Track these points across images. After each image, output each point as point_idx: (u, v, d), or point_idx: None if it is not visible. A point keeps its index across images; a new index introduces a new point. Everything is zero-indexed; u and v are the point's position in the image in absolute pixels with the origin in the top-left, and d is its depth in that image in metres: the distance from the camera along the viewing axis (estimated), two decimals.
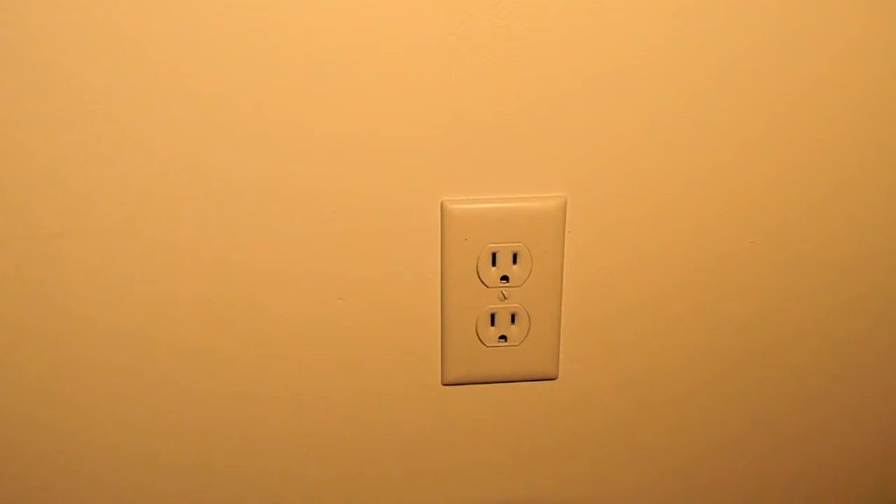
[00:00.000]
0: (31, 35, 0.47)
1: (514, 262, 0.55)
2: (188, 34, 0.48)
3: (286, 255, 0.54)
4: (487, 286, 0.55)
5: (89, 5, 0.47)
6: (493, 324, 0.56)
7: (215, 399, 0.57)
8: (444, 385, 0.59)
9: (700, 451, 0.63)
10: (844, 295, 0.59)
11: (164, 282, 0.53)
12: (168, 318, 0.54)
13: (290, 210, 0.53)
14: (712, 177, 0.55)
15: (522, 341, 0.57)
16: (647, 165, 0.54)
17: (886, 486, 0.67)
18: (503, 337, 0.57)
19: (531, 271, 0.55)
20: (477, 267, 0.55)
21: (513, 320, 0.57)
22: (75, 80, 0.48)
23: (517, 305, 0.56)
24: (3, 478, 0.58)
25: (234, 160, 0.51)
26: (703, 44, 0.51)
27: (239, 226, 0.53)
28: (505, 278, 0.55)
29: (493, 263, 0.55)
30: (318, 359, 0.57)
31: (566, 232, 0.55)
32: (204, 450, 0.58)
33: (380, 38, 0.49)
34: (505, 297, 0.56)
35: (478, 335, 0.56)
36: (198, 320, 0.55)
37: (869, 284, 0.59)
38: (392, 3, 0.49)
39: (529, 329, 0.57)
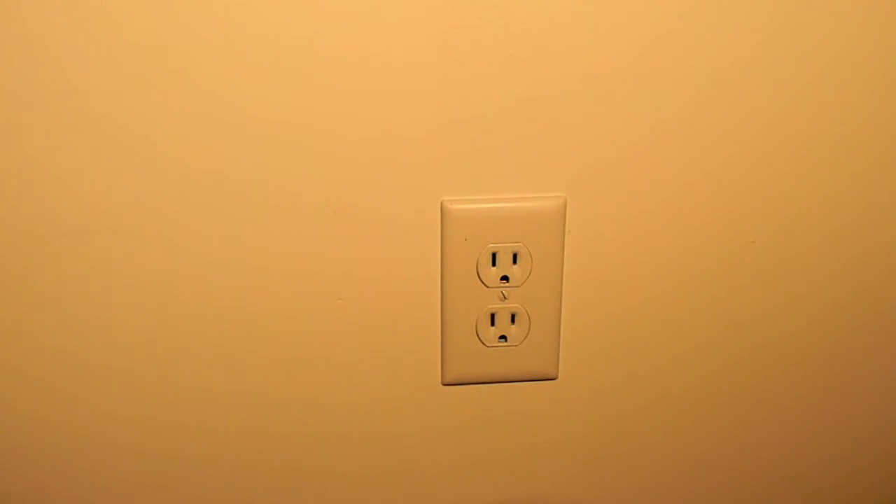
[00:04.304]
0: (30, 36, 0.47)
1: (514, 262, 0.55)
2: (188, 35, 0.48)
3: (286, 255, 0.54)
4: (487, 286, 0.55)
5: (89, 6, 0.47)
6: (493, 324, 0.56)
7: (215, 398, 0.57)
8: (444, 385, 0.59)
9: (700, 451, 0.63)
10: (844, 294, 0.59)
11: (165, 282, 0.53)
12: (169, 317, 0.54)
13: (290, 210, 0.53)
14: (712, 177, 0.55)
15: (522, 341, 0.57)
16: (647, 165, 0.54)
17: (886, 486, 0.67)
18: (503, 337, 0.57)
19: (531, 271, 0.55)
20: (477, 267, 0.55)
21: (513, 320, 0.57)
22: (75, 80, 0.48)
23: (517, 305, 0.56)
24: (5, 478, 0.58)
25: (235, 160, 0.51)
26: (703, 44, 0.51)
27: (239, 226, 0.53)
28: (505, 278, 0.55)
29: (493, 263, 0.55)
30: (318, 359, 0.57)
31: (566, 232, 0.55)
32: (203, 449, 0.58)
33: (380, 38, 0.49)
34: (505, 297, 0.56)
35: (478, 335, 0.56)
36: (198, 320, 0.55)
37: (869, 284, 0.59)
38: (392, 3, 0.49)
39: (529, 329, 0.57)
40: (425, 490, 0.62)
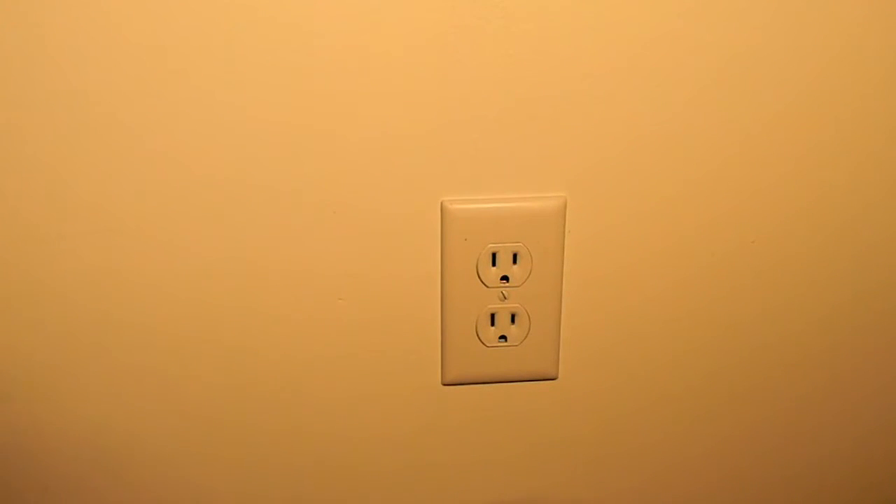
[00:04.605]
0: (31, 36, 0.47)
1: (514, 262, 0.55)
2: (188, 35, 0.48)
3: (286, 255, 0.54)
4: (487, 286, 0.55)
5: (89, 6, 0.47)
6: (493, 324, 0.56)
7: (215, 398, 0.57)
8: (444, 385, 0.59)
9: (700, 451, 0.63)
10: (844, 295, 0.59)
11: (165, 282, 0.53)
12: (169, 318, 0.54)
13: (290, 210, 0.53)
14: (712, 177, 0.55)
15: (522, 341, 0.57)
16: (648, 165, 0.54)
17: (886, 486, 0.67)
18: (503, 337, 0.57)
19: (531, 271, 0.55)
20: (477, 267, 0.55)
21: (513, 320, 0.56)
22: (75, 80, 0.48)
23: (517, 305, 0.56)
24: (9, 476, 0.58)
25: (235, 161, 0.51)
26: (703, 44, 0.51)
27: (239, 226, 0.53)
28: (505, 278, 0.55)
29: (493, 263, 0.55)
30: (319, 359, 0.57)
31: (566, 232, 0.55)
32: (202, 448, 0.58)
33: (380, 38, 0.49)
34: (505, 297, 0.56)
35: (478, 335, 0.56)
36: (198, 320, 0.55)
37: (868, 284, 0.59)
38: (392, 3, 0.49)
39: (529, 329, 0.57)
40: (425, 490, 0.62)
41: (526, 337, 0.57)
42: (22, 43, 0.47)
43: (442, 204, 0.54)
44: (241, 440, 0.59)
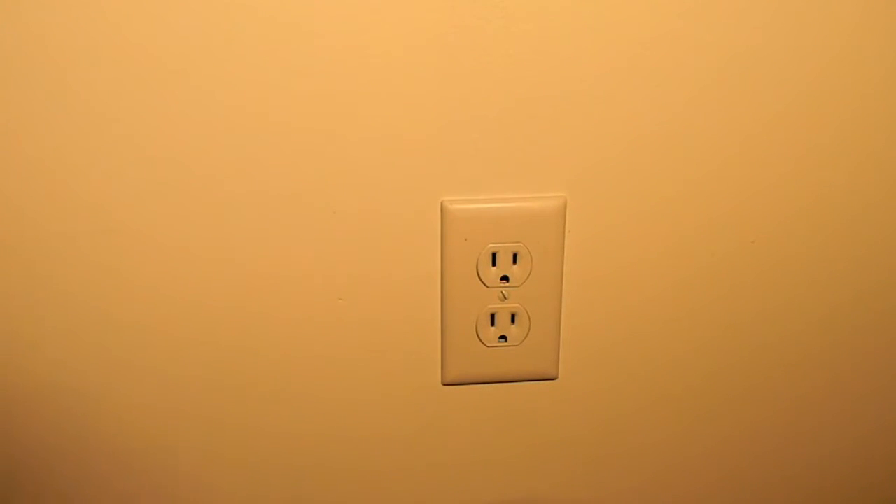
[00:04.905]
0: (32, 36, 0.47)
1: (514, 262, 0.55)
2: (188, 35, 0.48)
3: (286, 255, 0.54)
4: (487, 286, 0.55)
5: (89, 6, 0.47)
6: (493, 324, 0.56)
7: (215, 397, 0.57)
8: (444, 385, 0.59)
9: (699, 451, 0.63)
10: (844, 295, 0.59)
11: (166, 282, 0.53)
12: (169, 317, 0.54)
13: (290, 210, 0.53)
14: (712, 177, 0.55)
15: (522, 341, 0.57)
16: (648, 165, 0.54)
17: (886, 486, 0.67)
18: (503, 337, 0.57)
19: (531, 271, 0.55)
20: (477, 267, 0.55)
21: (513, 320, 0.56)
22: (75, 81, 0.48)
23: (517, 305, 0.56)
24: (12, 474, 0.58)
25: (235, 161, 0.51)
26: (703, 44, 0.51)
27: (239, 226, 0.53)
28: (505, 278, 0.55)
29: (493, 263, 0.55)
30: (319, 359, 0.57)
31: (566, 232, 0.55)
32: (202, 448, 0.58)
33: (380, 38, 0.49)
34: (505, 297, 0.56)
35: (478, 335, 0.56)
36: (199, 320, 0.55)
37: (868, 284, 0.59)
38: (392, 3, 0.49)
39: (529, 329, 0.57)
40: (425, 490, 0.62)
41: (526, 337, 0.57)
42: (22, 43, 0.47)
43: (442, 204, 0.54)
44: (241, 440, 0.59)
